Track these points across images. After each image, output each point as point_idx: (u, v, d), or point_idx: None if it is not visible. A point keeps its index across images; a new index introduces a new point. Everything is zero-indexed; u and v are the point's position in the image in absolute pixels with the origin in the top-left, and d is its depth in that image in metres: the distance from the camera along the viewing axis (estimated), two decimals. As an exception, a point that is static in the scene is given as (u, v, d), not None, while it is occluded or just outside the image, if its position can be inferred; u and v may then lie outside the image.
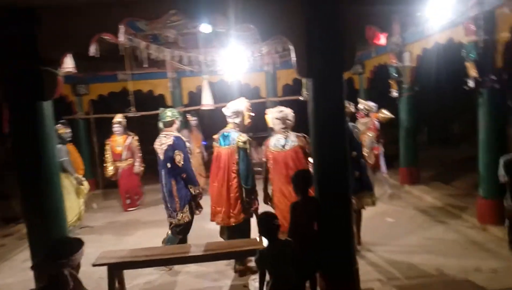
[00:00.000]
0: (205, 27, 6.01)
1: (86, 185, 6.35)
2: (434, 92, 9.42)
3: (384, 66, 7.84)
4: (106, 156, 7.45)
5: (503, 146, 4.92)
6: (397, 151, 7.99)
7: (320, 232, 3.16)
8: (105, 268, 3.60)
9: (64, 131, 6.15)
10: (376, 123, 6.62)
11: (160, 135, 4.59)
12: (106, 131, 7.83)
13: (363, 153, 4.60)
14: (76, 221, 6.09)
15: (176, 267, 4.54)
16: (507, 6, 3.89)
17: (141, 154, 7.59)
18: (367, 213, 4.96)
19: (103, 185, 9.30)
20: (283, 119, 4.27)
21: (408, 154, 7.61)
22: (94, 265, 3.53)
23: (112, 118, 7.42)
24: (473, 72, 4.80)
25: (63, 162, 5.85)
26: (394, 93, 7.35)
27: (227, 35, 6.62)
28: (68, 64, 4.22)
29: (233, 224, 4.25)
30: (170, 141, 4.44)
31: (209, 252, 3.67)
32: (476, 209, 5.27)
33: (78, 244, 2.43)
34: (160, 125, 4.66)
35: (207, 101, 7.39)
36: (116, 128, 7.28)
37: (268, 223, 2.84)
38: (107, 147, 7.40)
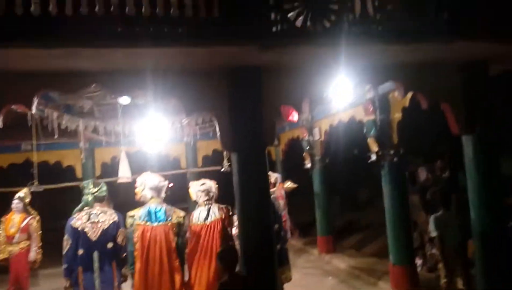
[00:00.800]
0: (123, 99, 5.97)
1: None
2: (342, 164, 10.28)
3: (297, 140, 8.44)
4: None
5: (407, 213, 5.43)
6: (310, 219, 8.35)
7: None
8: None
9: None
10: (283, 192, 6.96)
11: (92, 212, 4.11)
12: (6, 207, 6.87)
13: (283, 225, 4.71)
14: None
15: None
16: (398, 91, 4.59)
17: (39, 239, 6.49)
18: (287, 286, 4.85)
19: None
20: (206, 191, 4.23)
21: (324, 222, 7.95)
22: None
23: (12, 192, 6.57)
24: (374, 147, 5.42)
25: None
26: (307, 165, 7.86)
27: (146, 106, 6.64)
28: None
29: None
30: (113, 218, 4.10)
31: None
32: (389, 276, 5.53)
33: None
34: (89, 199, 4.20)
35: (124, 173, 7.03)
36: (15, 204, 6.31)
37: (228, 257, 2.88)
38: (1, 227, 6.44)
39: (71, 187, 8.67)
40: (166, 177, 4.59)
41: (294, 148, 9.02)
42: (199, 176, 9.70)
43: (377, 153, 5.36)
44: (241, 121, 3.17)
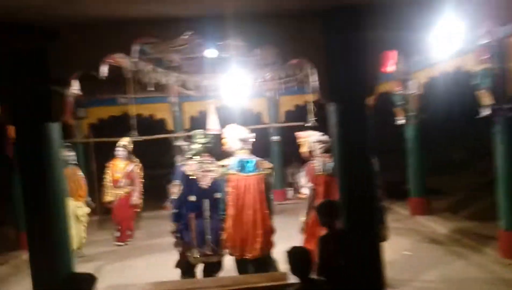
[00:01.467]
0: (210, 52, 5.95)
1: (87, 211, 6.14)
2: (439, 121, 9.41)
3: (389, 94, 7.81)
4: (105, 180, 7.08)
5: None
6: (399, 178, 7.86)
7: (348, 267, 2.93)
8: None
9: (67, 154, 5.95)
10: None
11: (201, 161, 4.17)
12: (107, 155, 7.56)
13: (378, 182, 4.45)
14: (76, 249, 5.79)
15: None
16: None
17: (142, 184, 7.15)
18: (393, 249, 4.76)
19: (100, 211, 8.95)
20: (324, 142, 4.17)
21: (418, 183, 7.41)
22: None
23: (113, 142, 7.14)
24: (487, 100, 4.73)
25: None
26: (400, 121, 7.28)
27: (231, 60, 6.60)
28: (74, 85, 4.07)
29: (260, 256, 4.04)
30: (221, 169, 4.16)
31: (226, 288, 3.38)
32: (497, 243, 5.00)
33: (91, 281, 2.21)
34: (198, 148, 4.24)
35: (213, 126, 7.21)
36: (120, 152, 6.86)
37: (300, 259, 2.60)
38: (107, 171, 7.10)
39: (162, 139, 9.29)
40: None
41: (384, 103, 8.40)
42: (281, 131, 9.77)
43: (491, 107, 4.67)
44: (341, 69, 2.89)
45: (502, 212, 4.86)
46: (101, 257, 6.24)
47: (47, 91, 2.72)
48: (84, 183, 6.36)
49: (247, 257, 4.05)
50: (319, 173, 4.16)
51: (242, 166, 4.12)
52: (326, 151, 4.22)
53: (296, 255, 2.64)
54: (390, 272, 4.61)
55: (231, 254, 4.17)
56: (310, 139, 4.36)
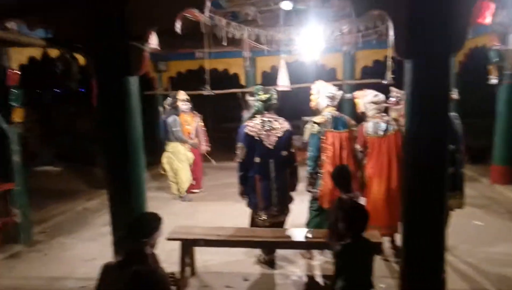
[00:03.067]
0: (286, 4, 5.79)
1: (192, 155, 6.92)
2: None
3: (481, 49, 6.96)
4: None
5: None
6: (483, 146, 7.20)
7: (407, 234, 2.86)
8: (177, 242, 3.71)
9: (181, 103, 6.82)
10: None
11: (263, 119, 4.00)
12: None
13: (461, 147, 4.15)
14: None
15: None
16: None
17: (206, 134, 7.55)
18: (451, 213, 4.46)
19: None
20: (379, 103, 4.05)
21: (504, 150, 6.75)
22: (168, 239, 3.61)
23: (190, 95, 7.42)
24: None
25: (176, 132, 6.63)
26: (493, 80, 6.51)
27: (307, 12, 6.33)
28: (153, 40, 4.26)
29: None
30: (286, 126, 4.02)
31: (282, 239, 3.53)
32: None
33: (157, 221, 2.44)
34: (260, 106, 4.06)
35: (283, 82, 7.14)
36: (186, 106, 7.13)
37: (360, 218, 2.60)
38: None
39: (235, 93, 9.49)
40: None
41: (476, 60, 7.52)
42: (356, 88, 9.32)
43: None
44: (422, 20, 2.61)
45: None
46: (175, 203, 6.82)
47: (126, 46, 2.89)
48: (200, 130, 7.23)
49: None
50: (370, 135, 4.06)
51: (336, 122, 4.09)
52: (380, 111, 4.11)
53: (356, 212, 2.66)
54: (456, 240, 4.45)
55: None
56: (364, 100, 4.21)
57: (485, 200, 6.11)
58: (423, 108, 2.71)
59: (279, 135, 3.95)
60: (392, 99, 4.36)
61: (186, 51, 8.96)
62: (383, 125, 4.05)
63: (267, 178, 3.95)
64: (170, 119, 6.70)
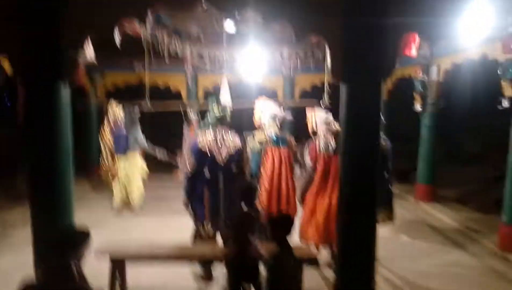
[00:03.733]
0: (229, 27, 5.87)
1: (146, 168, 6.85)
2: (457, 110, 9.17)
3: (408, 79, 7.60)
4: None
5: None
6: (410, 166, 7.78)
7: (342, 245, 2.99)
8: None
9: (136, 112, 6.71)
10: None
11: (216, 133, 3.98)
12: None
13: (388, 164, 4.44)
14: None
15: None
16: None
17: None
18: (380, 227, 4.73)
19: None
20: (330, 123, 4.18)
21: (427, 170, 7.36)
22: (96, 255, 3.36)
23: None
24: (510, 91, 4.56)
25: (141, 140, 6.62)
26: (418, 108, 7.11)
27: (250, 35, 6.48)
28: (89, 52, 4.05)
29: None
30: (237, 143, 4.02)
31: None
32: (497, 235, 5.01)
33: (85, 235, 2.26)
34: (212, 120, 4.05)
35: (225, 99, 7.16)
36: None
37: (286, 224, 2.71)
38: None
39: (176, 111, 9.30)
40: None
41: (402, 89, 8.19)
42: (295, 110, 9.65)
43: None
44: (356, 48, 2.80)
45: (506, 205, 4.83)
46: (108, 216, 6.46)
47: (58, 51, 2.71)
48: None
49: None
50: (321, 152, 4.19)
51: (275, 139, 4.24)
52: (330, 131, 4.25)
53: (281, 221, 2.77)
54: (385, 253, 4.67)
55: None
56: (316, 117, 4.36)
57: (411, 216, 6.55)
58: (356, 128, 2.87)
59: (230, 152, 3.95)
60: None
61: (124, 63, 8.64)
62: (332, 144, 4.16)
63: (216, 189, 3.94)
64: (133, 129, 6.60)
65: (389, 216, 4.58)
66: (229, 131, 4.07)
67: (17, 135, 6.89)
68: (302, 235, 4.20)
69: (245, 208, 3.32)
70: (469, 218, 6.29)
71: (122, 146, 6.55)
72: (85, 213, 5.97)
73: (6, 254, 4.81)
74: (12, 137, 9.07)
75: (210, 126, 4.06)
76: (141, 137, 6.66)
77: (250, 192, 3.41)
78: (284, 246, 2.64)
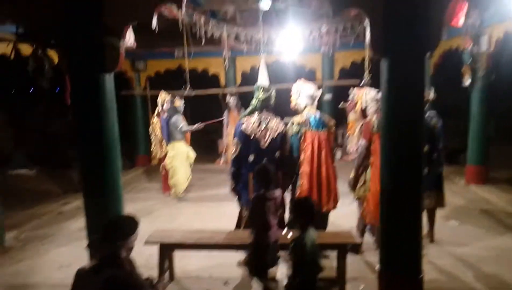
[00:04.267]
0: (264, 4, 5.78)
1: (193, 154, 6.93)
2: (509, 83, 8.51)
3: (456, 51, 7.15)
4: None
5: None
6: (460, 146, 7.37)
7: (386, 233, 2.90)
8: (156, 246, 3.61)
9: (179, 104, 6.77)
10: None
11: (260, 118, 3.96)
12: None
13: (439, 146, 4.25)
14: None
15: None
16: None
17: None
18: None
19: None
20: (378, 101, 4.02)
21: (478, 150, 6.90)
22: (146, 243, 3.51)
23: (173, 96, 7.23)
24: None
25: (182, 128, 6.65)
26: (467, 82, 6.68)
27: (286, 12, 6.35)
28: (130, 38, 4.15)
29: (329, 211, 4.15)
30: (280, 128, 3.95)
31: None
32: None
33: (133, 224, 2.35)
34: (258, 105, 4.01)
35: (263, 82, 7.11)
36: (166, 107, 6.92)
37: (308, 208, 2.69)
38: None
39: (215, 94, 9.42)
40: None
41: (450, 62, 7.72)
42: (334, 89, 9.43)
43: None
44: (399, 18, 2.65)
45: None
46: (154, 203, 6.72)
47: (101, 41, 2.81)
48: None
49: (323, 211, 4.12)
50: (375, 131, 3.97)
51: (315, 122, 4.11)
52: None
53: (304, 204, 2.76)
54: (435, 240, 4.55)
55: None
56: (366, 96, 4.23)
57: (461, 199, 6.22)
58: (399, 106, 2.75)
59: (273, 136, 3.92)
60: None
61: (165, 50, 8.83)
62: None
63: None
64: (173, 119, 6.65)
65: (439, 200, 4.39)
66: (273, 116, 4.05)
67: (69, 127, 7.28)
68: (374, 220, 4.03)
69: (261, 191, 3.22)
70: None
71: (169, 135, 6.72)
72: (133, 202, 6.32)
73: (60, 245, 4.97)
74: (65, 129, 9.69)
75: (254, 110, 4.05)
76: (179, 124, 6.65)
77: (264, 174, 3.29)
78: (306, 230, 2.62)
